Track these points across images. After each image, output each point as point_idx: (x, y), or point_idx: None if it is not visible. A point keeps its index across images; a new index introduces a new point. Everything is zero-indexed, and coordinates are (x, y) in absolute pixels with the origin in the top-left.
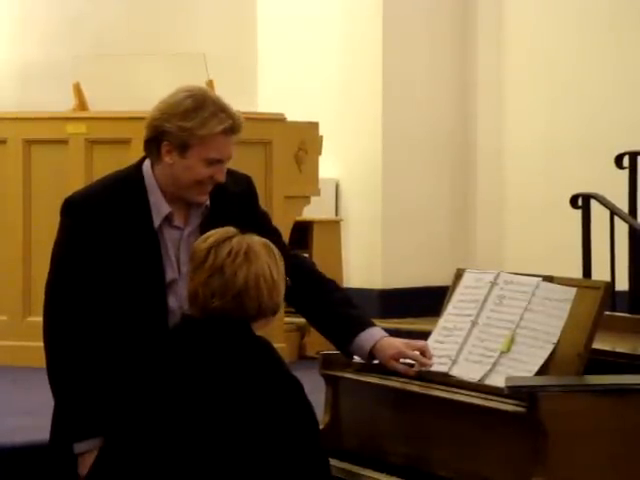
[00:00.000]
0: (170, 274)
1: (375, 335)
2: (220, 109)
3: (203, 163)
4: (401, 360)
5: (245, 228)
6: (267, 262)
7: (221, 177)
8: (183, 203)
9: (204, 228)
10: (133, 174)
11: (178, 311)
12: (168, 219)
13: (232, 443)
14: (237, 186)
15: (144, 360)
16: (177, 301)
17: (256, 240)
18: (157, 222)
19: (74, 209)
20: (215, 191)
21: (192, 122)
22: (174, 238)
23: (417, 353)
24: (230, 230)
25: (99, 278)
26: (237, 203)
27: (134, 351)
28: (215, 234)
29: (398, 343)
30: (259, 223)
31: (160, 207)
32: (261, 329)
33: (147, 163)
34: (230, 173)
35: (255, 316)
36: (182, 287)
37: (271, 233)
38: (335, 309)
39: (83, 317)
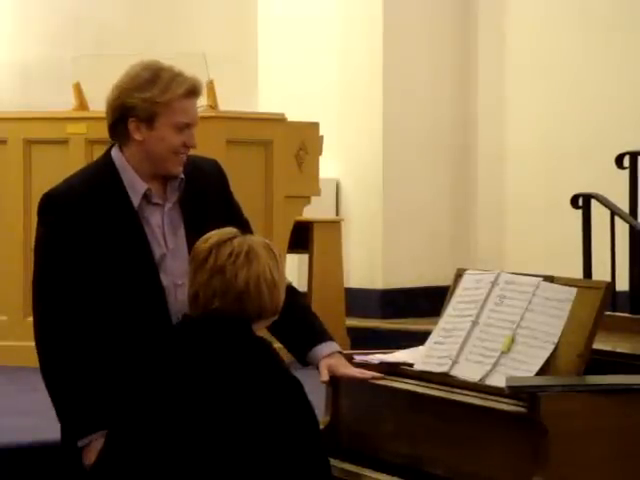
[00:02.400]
0: (158, 251)
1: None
2: (176, 74)
3: (173, 130)
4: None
5: (220, 206)
6: (268, 263)
7: (193, 142)
8: (159, 180)
9: (183, 202)
10: (103, 162)
11: (172, 288)
12: (147, 197)
13: (233, 443)
14: (208, 164)
15: (147, 352)
16: (169, 277)
17: (257, 241)
18: (136, 202)
19: (55, 205)
20: (188, 167)
21: (153, 91)
22: (156, 215)
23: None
24: (231, 231)
25: (89, 270)
26: (210, 179)
27: (138, 338)
28: (216, 235)
29: (345, 361)
30: (233, 210)
31: (136, 186)
32: (262, 330)
33: (115, 149)
34: (197, 156)
35: (256, 317)
36: (171, 263)
37: (243, 225)
38: (296, 318)
39: (76, 313)
